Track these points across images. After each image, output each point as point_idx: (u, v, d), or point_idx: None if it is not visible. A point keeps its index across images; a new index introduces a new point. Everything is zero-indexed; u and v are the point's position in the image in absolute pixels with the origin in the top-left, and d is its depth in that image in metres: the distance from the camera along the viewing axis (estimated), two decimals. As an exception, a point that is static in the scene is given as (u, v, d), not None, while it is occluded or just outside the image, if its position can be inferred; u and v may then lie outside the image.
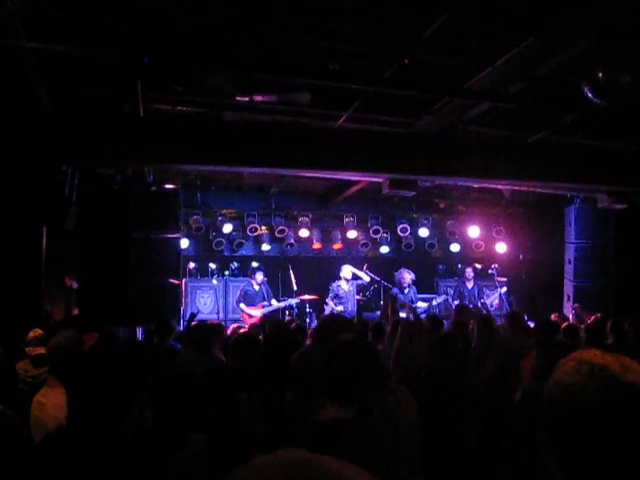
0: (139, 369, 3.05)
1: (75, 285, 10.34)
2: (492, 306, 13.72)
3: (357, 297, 13.75)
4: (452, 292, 14.60)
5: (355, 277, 13.57)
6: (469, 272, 14.32)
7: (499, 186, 12.21)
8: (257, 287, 12.88)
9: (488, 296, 13.99)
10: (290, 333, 5.61)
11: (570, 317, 11.03)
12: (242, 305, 12.76)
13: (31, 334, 5.86)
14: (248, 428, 3.67)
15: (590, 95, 6.56)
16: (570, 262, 12.78)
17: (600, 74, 6.33)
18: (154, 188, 10.92)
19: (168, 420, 3.35)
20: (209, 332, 6.18)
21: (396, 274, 13.50)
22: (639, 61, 6.01)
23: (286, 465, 1.01)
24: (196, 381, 3.50)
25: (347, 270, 13.45)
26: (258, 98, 8.14)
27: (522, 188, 12.22)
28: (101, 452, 2.53)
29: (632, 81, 6.09)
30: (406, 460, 2.29)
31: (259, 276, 12.92)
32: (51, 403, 3.98)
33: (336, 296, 13.19)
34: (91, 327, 6.55)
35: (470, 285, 14.17)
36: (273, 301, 13.08)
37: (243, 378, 4.11)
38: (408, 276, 13.25)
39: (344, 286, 13.30)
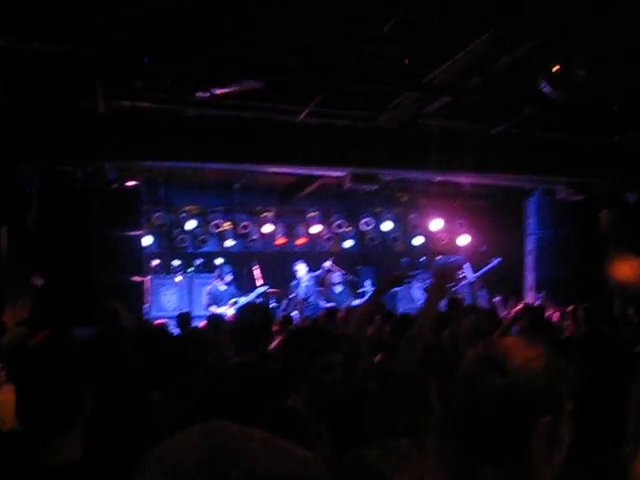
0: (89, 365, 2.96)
1: (40, 283, 10.13)
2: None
3: (319, 288, 13.88)
4: None
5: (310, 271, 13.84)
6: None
7: (461, 178, 12.30)
8: (224, 287, 12.73)
9: None
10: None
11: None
12: (213, 308, 12.50)
13: None
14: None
15: (546, 88, 6.68)
16: (531, 253, 12.96)
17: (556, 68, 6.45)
18: (115, 185, 10.74)
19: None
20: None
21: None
22: (592, 55, 6.13)
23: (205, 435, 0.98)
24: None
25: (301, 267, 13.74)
26: (218, 92, 8.11)
27: (483, 181, 12.34)
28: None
29: (586, 74, 6.22)
30: None
31: (228, 277, 12.81)
32: (13, 400, 3.89)
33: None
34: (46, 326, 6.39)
35: None
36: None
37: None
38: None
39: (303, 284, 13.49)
